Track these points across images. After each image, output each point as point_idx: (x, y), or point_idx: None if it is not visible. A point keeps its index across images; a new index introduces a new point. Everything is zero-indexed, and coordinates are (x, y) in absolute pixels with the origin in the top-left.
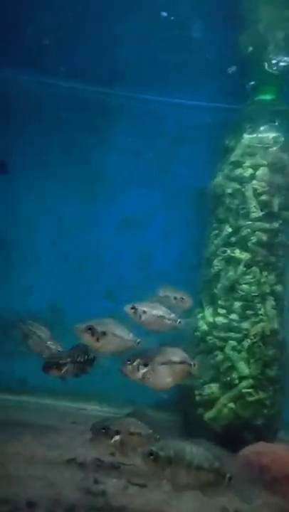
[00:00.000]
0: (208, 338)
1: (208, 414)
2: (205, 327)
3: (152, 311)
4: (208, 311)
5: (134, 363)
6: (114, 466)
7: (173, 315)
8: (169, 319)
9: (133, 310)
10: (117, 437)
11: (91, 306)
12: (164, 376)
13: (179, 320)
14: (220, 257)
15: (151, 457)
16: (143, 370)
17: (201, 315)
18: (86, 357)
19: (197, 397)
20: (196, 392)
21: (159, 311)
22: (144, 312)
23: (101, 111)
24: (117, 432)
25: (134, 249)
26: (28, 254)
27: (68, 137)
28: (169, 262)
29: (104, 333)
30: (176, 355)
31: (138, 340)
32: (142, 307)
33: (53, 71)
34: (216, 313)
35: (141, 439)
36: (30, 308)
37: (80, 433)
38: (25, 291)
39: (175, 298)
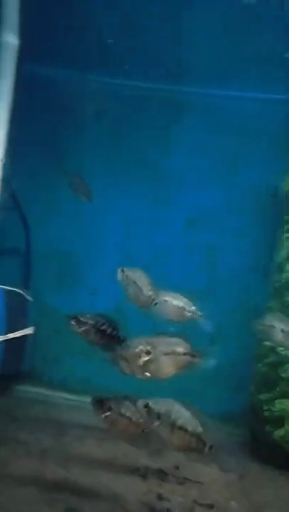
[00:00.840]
0: (280, 349)
1: (279, 432)
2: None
3: (173, 301)
4: None
5: (137, 350)
6: (179, 482)
7: (194, 307)
8: (189, 311)
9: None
10: (108, 413)
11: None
12: (165, 366)
13: (199, 313)
14: None
15: (146, 409)
16: (145, 358)
17: None
18: (113, 331)
19: (266, 413)
20: (265, 407)
21: (180, 301)
22: (166, 301)
23: (168, 109)
24: (109, 409)
25: (201, 251)
26: (95, 257)
27: (134, 137)
28: (237, 266)
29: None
30: (180, 345)
31: (155, 302)
32: (163, 296)
33: (118, 71)
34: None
35: (130, 423)
36: (97, 309)
37: (144, 442)
38: (92, 292)
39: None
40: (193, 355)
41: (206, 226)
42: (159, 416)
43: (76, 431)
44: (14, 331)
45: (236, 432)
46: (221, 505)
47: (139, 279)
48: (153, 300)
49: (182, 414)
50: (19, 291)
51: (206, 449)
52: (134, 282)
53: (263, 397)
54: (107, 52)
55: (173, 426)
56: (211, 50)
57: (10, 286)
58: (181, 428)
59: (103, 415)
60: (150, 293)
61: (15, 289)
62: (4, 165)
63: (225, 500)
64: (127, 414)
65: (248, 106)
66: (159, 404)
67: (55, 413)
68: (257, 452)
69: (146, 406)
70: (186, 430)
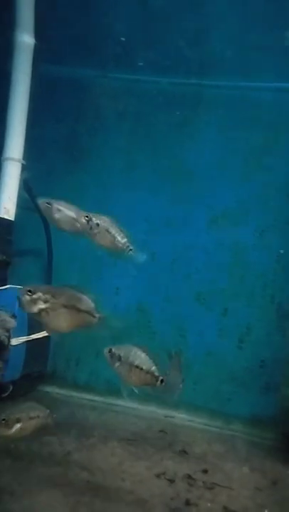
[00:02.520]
0: None
1: None
2: None
3: (105, 225)
4: None
5: (35, 296)
6: (207, 487)
7: (125, 240)
8: (120, 243)
9: (87, 219)
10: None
11: (179, 309)
12: (61, 320)
13: (130, 248)
14: None
15: (109, 354)
16: (41, 306)
17: None
18: None
19: None
20: None
21: (112, 229)
22: (98, 225)
23: (189, 103)
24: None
25: (226, 249)
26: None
27: (156, 133)
28: (265, 263)
29: (98, 225)
30: (83, 302)
31: (130, 248)
32: (97, 220)
33: (137, 67)
34: None
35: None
36: (119, 308)
37: (168, 444)
38: (114, 292)
39: None
40: (92, 315)
41: (231, 223)
42: (120, 358)
43: (100, 432)
44: (36, 332)
45: (268, 435)
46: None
47: (112, 227)
48: (128, 246)
49: (139, 356)
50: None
51: (158, 383)
52: (107, 230)
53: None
54: (125, 48)
55: (131, 365)
56: (229, 42)
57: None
58: (137, 367)
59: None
60: (124, 240)
61: None
62: (24, 166)
63: (257, 507)
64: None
65: (276, 96)
66: (120, 349)
67: (80, 414)
68: None
69: (110, 351)
70: (141, 368)
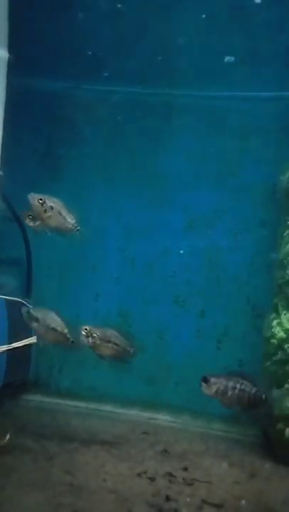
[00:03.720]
0: (287, 346)
1: None
2: (282, 334)
3: (58, 208)
4: (285, 317)
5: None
6: (187, 483)
7: (74, 221)
8: (70, 223)
9: (41, 202)
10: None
11: (159, 312)
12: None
13: (77, 227)
14: None
15: (27, 314)
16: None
17: (277, 321)
18: None
19: (276, 411)
20: (275, 406)
21: (63, 211)
22: (52, 208)
23: (162, 113)
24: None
25: (202, 252)
26: (97, 261)
27: (131, 142)
28: (240, 264)
29: (52, 208)
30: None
31: (78, 228)
32: (51, 203)
33: (110, 78)
34: None
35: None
36: (100, 314)
37: (150, 444)
38: (94, 298)
39: None
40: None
41: (205, 227)
42: (37, 320)
43: (83, 437)
44: (17, 341)
45: (248, 432)
46: (231, 504)
47: (62, 209)
48: (76, 227)
49: (55, 320)
50: (21, 300)
51: (69, 342)
52: (59, 212)
53: (273, 395)
54: (97, 60)
55: (48, 327)
56: (198, 52)
57: (11, 296)
58: (53, 329)
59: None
60: (74, 221)
61: (16, 299)
62: (1, 177)
63: (234, 499)
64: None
65: (245, 104)
66: (38, 312)
67: (62, 421)
68: (269, 451)
69: (28, 312)
70: (56, 330)
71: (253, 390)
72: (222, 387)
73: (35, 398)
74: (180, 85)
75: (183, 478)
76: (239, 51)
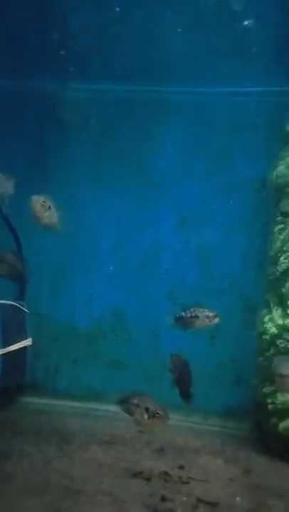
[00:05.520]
0: (279, 341)
1: (283, 425)
2: (274, 330)
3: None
4: (276, 313)
5: None
6: (183, 482)
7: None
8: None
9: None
10: None
11: (153, 309)
12: None
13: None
14: (287, 253)
15: None
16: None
17: (268, 317)
18: None
19: (270, 406)
20: (269, 400)
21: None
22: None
23: (150, 110)
24: None
25: (194, 248)
26: (89, 261)
27: (120, 140)
28: (231, 260)
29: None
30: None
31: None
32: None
33: (97, 76)
34: (285, 315)
35: None
36: (94, 314)
37: (146, 444)
38: (88, 297)
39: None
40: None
41: (197, 223)
42: None
43: (80, 438)
44: (12, 344)
45: (243, 427)
46: (226, 501)
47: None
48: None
49: None
50: (14, 303)
51: None
52: (50, 208)
53: (266, 390)
54: (83, 59)
55: None
56: (187, 49)
57: (5, 300)
58: None
59: None
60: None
61: (10, 302)
62: None
63: (229, 496)
64: None
65: (233, 99)
66: None
67: (59, 422)
68: (263, 446)
69: None
70: None
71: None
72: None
73: (32, 400)
74: (167, 82)
75: (179, 477)
76: (226, 46)
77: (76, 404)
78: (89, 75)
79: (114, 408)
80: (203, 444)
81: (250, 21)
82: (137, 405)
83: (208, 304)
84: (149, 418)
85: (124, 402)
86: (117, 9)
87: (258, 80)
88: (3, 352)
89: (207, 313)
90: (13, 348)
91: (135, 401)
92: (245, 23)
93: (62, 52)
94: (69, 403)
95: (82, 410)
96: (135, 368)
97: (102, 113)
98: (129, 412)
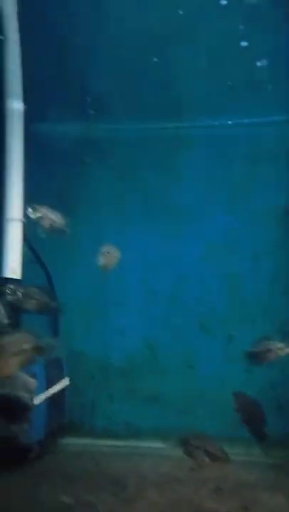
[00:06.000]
0: None
1: None
2: None
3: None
4: None
5: None
6: None
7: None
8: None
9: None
10: None
11: (186, 341)
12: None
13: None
14: None
15: None
16: None
17: None
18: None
19: None
20: None
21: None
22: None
23: (171, 145)
24: None
25: (222, 277)
26: (118, 295)
27: (143, 176)
28: (259, 287)
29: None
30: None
31: None
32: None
33: (117, 116)
34: None
35: None
36: (127, 348)
37: (201, 482)
38: (120, 332)
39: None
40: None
41: (223, 252)
42: None
43: (133, 481)
44: (53, 385)
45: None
46: None
47: (52, 213)
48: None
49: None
50: (52, 341)
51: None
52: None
53: None
54: (104, 100)
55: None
56: (204, 85)
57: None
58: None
59: None
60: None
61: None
62: (24, 223)
63: None
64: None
65: (252, 130)
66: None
67: (106, 464)
68: None
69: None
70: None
71: None
72: None
73: (72, 441)
74: (187, 117)
75: None
76: (242, 78)
77: (116, 442)
78: (110, 116)
79: (155, 445)
80: (257, 478)
81: (265, 59)
82: (197, 447)
83: (242, 333)
84: (210, 461)
85: (183, 443)
86: (136, 51)
87: (276, 110)
88: (48, 395)
89: (278, 344)
90: (56, 390)
91: (195, 443)
92: (261, 60)
93: (84, 97)
94: (108, 442)
95: (123, 449)
96: (172, 401)
97: (123, 151)
98: (190, 455)
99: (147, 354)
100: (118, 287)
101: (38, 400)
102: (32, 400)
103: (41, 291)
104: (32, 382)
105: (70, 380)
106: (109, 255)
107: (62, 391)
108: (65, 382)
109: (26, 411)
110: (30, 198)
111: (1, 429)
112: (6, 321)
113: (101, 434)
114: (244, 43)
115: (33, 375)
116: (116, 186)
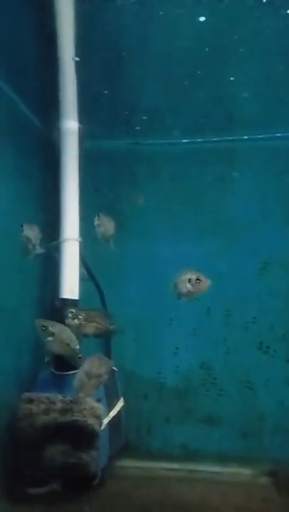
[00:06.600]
0: None
1: None
2: None
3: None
4: None
5: None
6: None
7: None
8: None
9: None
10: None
11: (243, 361)
12: None
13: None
14: None
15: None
16: None
17: None
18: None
19: None
20: None
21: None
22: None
23: (224, 159)
24: None
25: (281, 294)
26: (171, 313)
27: (195, 191)
28: None
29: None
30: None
31: None
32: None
33: (167, 131)
34: None
35: None
36: (181, 368)
37: None
38: (173, 352)
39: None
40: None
41: (280, 268)
42: (53, 334)
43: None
44: (112, 408)
45: None
46: None
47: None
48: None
49: (68, 335)
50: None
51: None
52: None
53: None
54: (154, 115)
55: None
56: (254, 99)
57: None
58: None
59: None
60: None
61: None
62: (81, 243)
63: None
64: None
65: None
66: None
67: (172, 491)
68: None
69: (44, 326)
70: (68, 344)
71: None
72: None
73: (128, 464)
74: (239, 130)
75: None
76: None
77: (173, 465)
78: (160, 131)
79: (212, 468)
80: None
81: None
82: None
83: None
84: None
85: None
86: (186, 67)
87: None
88: (109, 419)
89: None
90: (115, 413)
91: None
92: None
93: (133, 110)
94: (166, 465)
95: (183, 473)
96: (230, 423)
97: (174, 166)
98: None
99: (202, 374)
100: (170, 304)
101: (103, 425)
102: (100, 426)
103: (101, 314)
104: (99, 407)
105: (124, 400)
106: (103, 226)
107: (119, 413)
108: (121, 403)
109: (95, 438)
110: (83, 211)
111: (71, 457)
112: (78, 346)
113: (157, 457)
114: None
115: (98, 400)
116: (167, 202)
